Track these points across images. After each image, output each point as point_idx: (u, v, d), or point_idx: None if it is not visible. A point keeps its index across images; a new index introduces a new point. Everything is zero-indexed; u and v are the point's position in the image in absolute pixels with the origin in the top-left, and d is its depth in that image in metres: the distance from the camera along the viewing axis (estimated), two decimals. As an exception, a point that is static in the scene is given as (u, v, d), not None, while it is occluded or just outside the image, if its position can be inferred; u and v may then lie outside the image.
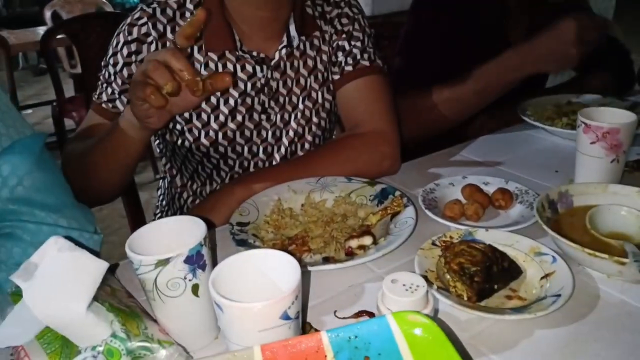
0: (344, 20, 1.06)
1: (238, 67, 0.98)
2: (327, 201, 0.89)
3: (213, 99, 0.98)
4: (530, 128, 1.18)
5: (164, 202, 1.21)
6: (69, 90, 3.34)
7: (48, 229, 0.71)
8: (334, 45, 1.06)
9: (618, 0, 3.49)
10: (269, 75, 1.00)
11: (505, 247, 0.70)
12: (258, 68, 0.99)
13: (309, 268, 0.69)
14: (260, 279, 0.54)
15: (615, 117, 0.87)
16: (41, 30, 3.71)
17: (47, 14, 4.12)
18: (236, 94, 0.99)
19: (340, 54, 1.05)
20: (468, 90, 1.16)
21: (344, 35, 1.05)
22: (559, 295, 0.61)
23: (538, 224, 0.73)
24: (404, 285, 0.53)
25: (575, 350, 0.57)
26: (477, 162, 1.06)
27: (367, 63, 1.04)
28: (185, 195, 1.12)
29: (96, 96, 0.98)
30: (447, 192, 0.89)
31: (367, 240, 0.74)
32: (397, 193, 0.85)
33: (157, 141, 1.12)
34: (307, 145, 1.08)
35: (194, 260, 0.55)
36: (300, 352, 0.45)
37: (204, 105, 0.98)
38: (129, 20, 0.96)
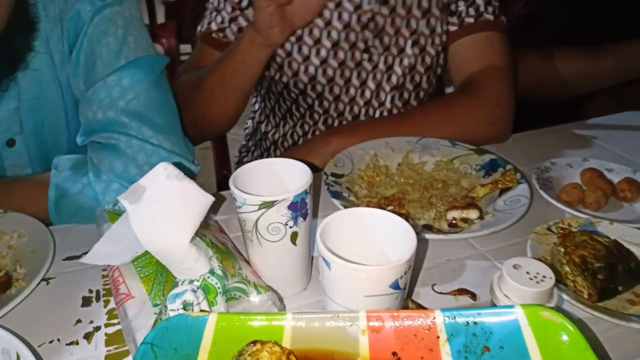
0: None
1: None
2: (426, 164, 0.82)
3: (316, 31, 0.93)
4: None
5: (250, 142, 1.19)
6: (161, 17, 3.38)
7: (151, 149, 0.71)
8: None
9: None
10: (377, 9, 0.93)
11: (631, 246, 0.62)
12: (367, 1, 0.92)
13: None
14: (368, 239, 0.49)
15: None
16: (141, -48, 3.73)
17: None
18: (340, 26, 0.93)
19: (461, 2, 0.95)
20: (605, 67, 1.05)
21: None
22: (698, 312, 0.52)
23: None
24: (527, 273, 0.47)
25: None
26: (593, 144, 0.95)
27: (490, 17, 0.94)
28: (276, 136, 1.09)
29: (204, 26, 0.97)
30: (565, 174, 0.80)
31: (473, 213, 0.68)
32: (509, 167, 0.77)
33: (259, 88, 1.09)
34: (406, 96, 1.01)
35: (298, 207, 0.51)
36: (410, 327, 0.41)
37: (306, 37, 0.93)
38: None
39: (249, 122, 1.20)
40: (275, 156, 0.94)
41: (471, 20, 0.95)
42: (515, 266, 0.47)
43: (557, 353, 0.37)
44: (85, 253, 0.57)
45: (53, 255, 0.62)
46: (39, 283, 0.58)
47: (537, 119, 1.02)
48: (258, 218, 0.51)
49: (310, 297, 0.58)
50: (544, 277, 0.46)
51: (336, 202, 0.68)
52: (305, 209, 0.52)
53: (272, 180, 0.57)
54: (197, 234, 0.46)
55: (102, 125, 0.70)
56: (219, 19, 0.95)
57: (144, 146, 0.70)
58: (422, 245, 0.66)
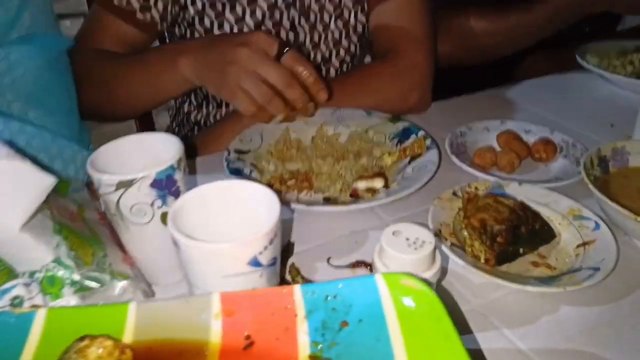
0: None
1: (247, 13, 0.86)
2: (340, 136, 0.79)
3: (238, 9, 0.87)
4: (588, 74, 1.02)
5: (174, 124, 1.13)
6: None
7: (33, 131, 0.64)
8: None
9: None
10: None
11: (540, 206, 0.60)
12: None
13: (293, 206, 0.60)
14: (239, 215, 0.45)
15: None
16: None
17: None
18: (265, 6, 0.88)
19: None
20: (531, 20, 1.04)
21: None
22: (597, 269, 0.50)
23: (583, 182, 0.61)
24: (407, 239, 0.43)
25: (606, 335, 0.47)
26: (520, 108, 0.93)
27: None
28: (199, 117, 1.03)
29: None
30: (480, 138, 0.77)
31: (377, 182, 0.64)
32: (421, 133, 0.74)
33: None
34: (332, 72, 0.97)
35: (164, 185, 0.47)
36: (267, 306, 0.37)
37: (227, 14, 0.87)
38: None
39: (172, 102, 1.13)
40: None
41: None
42: (394, 233, 0.44)
43: (416, 321, 0.34)
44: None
45: None
46: None
47: (465, 84, 0.99)
48: (118, 199, 0.46)
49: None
50: (423, 242, 0.43)
51: (234, 179, 0.64)
52: (175, 186, 0.48)
53: (146, 158, 0.52)
54: (38, 218, 0.41)
55: None
56: None
57: (24, 128, 0.64)
58: (319, 218, 0.62)
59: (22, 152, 0.41)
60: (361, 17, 0.95)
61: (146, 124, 1.31)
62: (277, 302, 0.37)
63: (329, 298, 0.36)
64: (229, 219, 0.45)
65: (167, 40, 0.99)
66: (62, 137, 0.67)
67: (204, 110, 1.02)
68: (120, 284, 0.44)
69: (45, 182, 0.40)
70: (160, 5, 0.85)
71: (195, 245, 0.38)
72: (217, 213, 0.44)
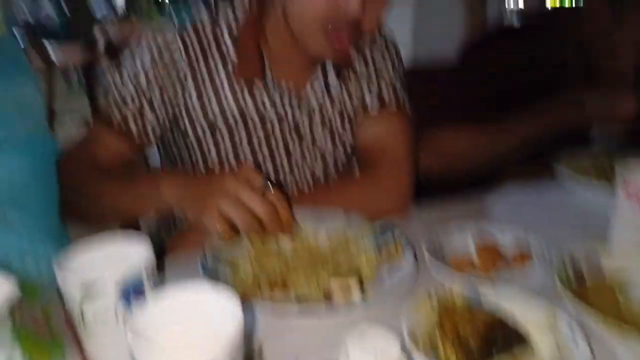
0: (378, 58, 1.00)
1: (264, 93, 0.92)
2: (320, 236, 0.79)
3: (231, 120, 0.92)
4: (563, 183, 1.05)
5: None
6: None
7: (11, 233, 0.65)
8: (365, 84, 0.99)
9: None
10: (296, 105, 0.94)
11: (516, 311, 0.59)
12: (286, 99, 0.93)
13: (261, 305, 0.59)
14: (200, 318, 0.44)
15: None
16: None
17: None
18: (257, 118, 0.92)
19: (367, 93, 0.99)
20: (509, 138, 1.13)
21: (374, 74, 1.00)
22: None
23: (557, 286, 0.61)
24: (373, 342, 0.42)
25: None
26: (496, 212, 0.95)
27: (393, 106, 0.99)
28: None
29: (103, 106, 0.89)
30: (457, 240, 0.78)
31: (352, 282, 0.64)
32: (397, 233, 0.75)
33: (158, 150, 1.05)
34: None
35: (130, 291, 0.46)
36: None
37: (220, 124, 0.92)
38: (160, 40, 0.88)
39: None
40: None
41: (375, 107, 0.98)
42: (361, 337, 0.43)
43: None
44: None
45: None
46: None
47: (443, 188, 1.02)
48: (81, 303, 0.45)
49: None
50: (388, 350, 0.42)
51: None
52: (141, 290, 0.48)
53: (114, 259, 0.52)
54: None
55: None
56: (119, 99, 0.88)
57: (8, 233, 0.65)
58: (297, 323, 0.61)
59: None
60: (349, 134, 1.01)
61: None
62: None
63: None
64: (191, 324, 0.44)
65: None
66: (40, 238, 0.67)
67: None
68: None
69: (5, 287, 0.40)
70: (157, 130, 0.91)
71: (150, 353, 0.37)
72: (179, 318, 0.44)
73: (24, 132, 0.70)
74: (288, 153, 0.97)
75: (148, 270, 0.48)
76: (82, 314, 0.46)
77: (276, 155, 0.96)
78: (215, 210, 0.68)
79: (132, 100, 0.88)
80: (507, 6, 3.27)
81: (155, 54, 0.88)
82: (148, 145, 0.92)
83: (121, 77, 0.90)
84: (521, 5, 3.28)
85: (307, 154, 0.99)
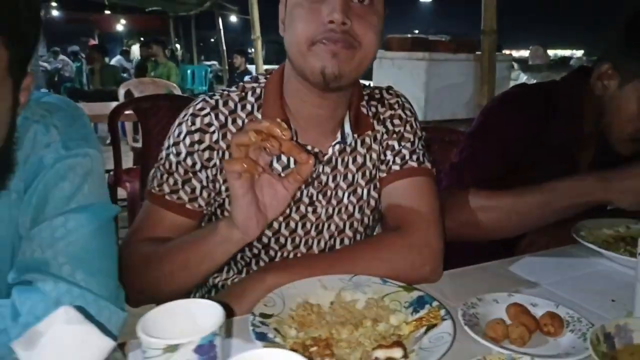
0: (396, 122, 1.07)
1: (292, 160, 0.98)
2: (358, 302, 0.83)
3: None
4: (584, 251, 1.10)
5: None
6: (128, 163, 3.51)
7: (78, 291, 0.70)
8: (384, 144, 1.06)
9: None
10: (321, 170, 1.01)
11: (553, 382, 0.62)
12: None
13: None
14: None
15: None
16: (113, 104, 4.01)
17: (122, 92, 4.48)
18: None
19: (389, 153, 1.05)
20: (531, 202, 1.12)
21: (394, 136, 1.06)
22: None
23: (591, 357, 0.64)
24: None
25: None
26: (524, 281, 0.99)
27: (415, 164, 1.03)
28: (217, 280, 1.08)
29: (156, 188, 0.96)
30: (491, 310, 0.82)
31: (397, 352, 0.67)
32: (435, 303, 0.79)
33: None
34: (346, 241, 1.05)
35: (206, 350, 0.51)
36: None
37: None
38: (191, 110, 0.97)
39: None
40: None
41: (397, 167, 1.03)
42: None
43: None
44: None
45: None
46: None
47: (472, 257, 1.07)
48: (163, 362, 0.50)
49: None
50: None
51: (259, 344, 0.67)
52: (214, 351, 0.52)
53: (184, 324, 0.57)
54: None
55: (36, 264, 0.69)
56: (171, 180, 0.95)
57: (71, 289, 0.70)
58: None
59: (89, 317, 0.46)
60: (373, 194, 1.06)
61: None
62: None
63: None
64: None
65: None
66: (102, 298, 0.72)
67: (224, 274, 1.08)
68: None
69: (107, 345, 0.45)
70: (204, 193, 0.97)
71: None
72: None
73: (91, 195, 0.76)
74: (315, 213, 1.02)
75: (221, 332, 0.52)
76: (161, 373, 0.50)
77: (306, 218, 1.01)
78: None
79: (177, 169, 0.95)
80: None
81: (191, 127, 0.95)
82: (200, 214, 0.98)
83: (165, 152, 0.97)
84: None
85: (333, 213, 1.03)
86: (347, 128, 1.02)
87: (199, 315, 0.57)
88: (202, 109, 0.97)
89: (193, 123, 0.96)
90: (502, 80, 2.92)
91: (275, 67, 1.03)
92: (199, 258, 0.87)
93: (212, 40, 18.07)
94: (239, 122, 0.98)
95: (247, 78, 1.04)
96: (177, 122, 0.98)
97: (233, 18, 14.23)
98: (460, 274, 1.00)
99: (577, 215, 1.19)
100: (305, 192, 1.00)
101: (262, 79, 1.02)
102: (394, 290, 0.85)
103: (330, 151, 1.01)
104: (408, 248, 0.94)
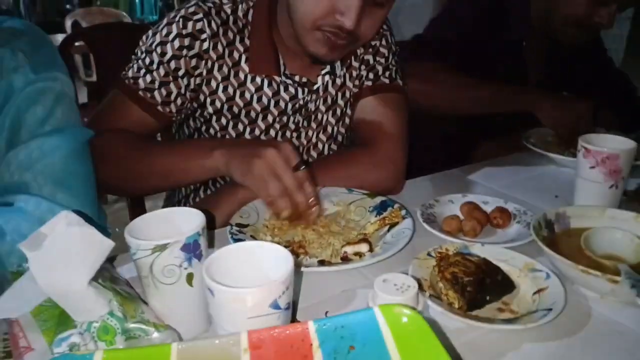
0: (374, 37, 1.06)
1: (281, 87, 1.00)
2: (327, 210, 0.90)
3: (252, 113, 1.00)
4: (533, 156, 1.19)
5: (168, 205, 1.22)
6: (83, 98, 3.40)
7: (59, 210, 0.72)
8: (361, 58, 1.07)
9: (629, 42, 3.55)
10: (308, 98, 1.03)
11: (500, 262, 0.71)
12: (300, 90, 1.01)
13: (303, 269, 0.69)
14: (253, 270, 0.54)
15: (615, 143, 0.88)
16: (60, 37, 3.79)
17: (68, 23, 4.23)
18: (275, 112, 1.01)
19: (363, 67, 1.07)
20: (474, 94, 1.27)
21: (370, 50, 1.07)
22: (550, 310, 0.61)
23: (534, 243, 0.73)
24: (395, 285, 0.53)
25: (563, 364, 0.57)
26: (477, 184, 1.07)
27: (387, 80, 1.06)
28: (195, 199, 1.13)
29: (130, 80, 0.93)
30: (446, 209, 0.90)
31: (363, 247, 0.75)
32: (397, 205, 0.86)
33: (177, 135, 1.13)
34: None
35: (191, 249, 0.56)
36: (287, 340, 0.46)
37: (242, 116, 1.00)
38: (182, 12, 0.93)
39: None
40: None
41: (369, 83, 1.06)
42: (384, 280, 0.54)
43: (408, 339, 0.43)
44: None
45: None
46: None
47: (430, 167, 1.14)
48: (152, 262, 0.55)
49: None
50: (408, 286, 0.53)
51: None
52: (199, 250, 0.57)
53: (169, 229, 0.61)
54: (96, 277, 0.49)
55: (16, 186, 0.72)
56: (148, 77, 0.93)
57: (52, 208, 0.72)
58: (317, 279, 0.71)
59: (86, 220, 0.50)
60: (349, 111, 1.10)
61: (138, 205, 1.39)
62: (294, 336, 0.46)
63: (337, 329, 0.45)
64: (247, 274, 0.54)
65: (176, 130, 1.11)
66: (84, 216, 0.76)
67: (201, 194, 1.12)
68: (160, 334, 0.52)
69: (107, 244, 0.49)
70: (179, 100, 0.95)
71: (228, 291, 0.47)
72: (239, 269, 0.53)
73: (64, 119, 0.78)
74: (299, 138, 1.06)
75: (204, 233, 0.57)
76: (152, 272, 0.55)
77: (292, 142, 1.04)
78: (260, 179, 0.77)
79: (157, 68, 0.92)
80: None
81: (182, 30, 0.92)
82: (169, 119, 0.97)
83: (148, 47, 0.94)
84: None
85: (315, 138, 1.08)
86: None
87: (180, 222, 0.62)
88: (194, 13, 0.93)
89: (184, 26, 0.92)
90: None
91: None
92: (182, 173, 0.88)
93: (159, -35, 16.86)
94: (230, 35, 0.95)
95: None
96: (165, 21, 0.94)
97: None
98: (419, 181, 1.08)
99: (525, 125, 1.28)
100: (292, 118, 1.03)
101: None
102: (359, 197, 0.91)
103: (319, 81, 1.02)
104: (374, 165, 0.99)
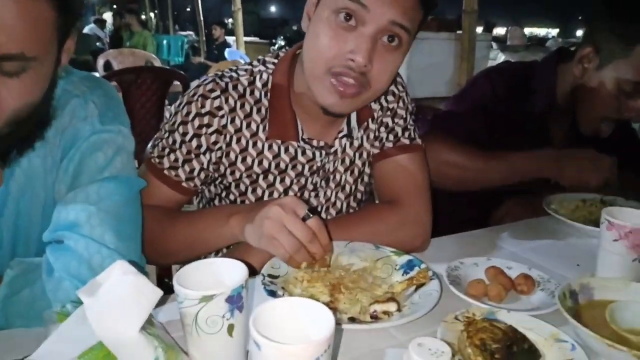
0: (390, 98, 1.12)
1: (299, 152, 1.04)
2: (354, 265, 0.92)
3: (270, 177, 1.04)
4: (555, 222, 1.21)
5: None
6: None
7: (107, 252, 0.77)
8: (379, 120, 1.11)
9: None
10: (326, 160, 1.07)
11: (526, 331, 0.72)
12: (317, 153, 1.05)
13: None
14: (294, 326, 0.57)
15: (639, 217, 0.90)
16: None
17: (100, 62, 4.41)
18: (293, 174, 1.05)
19: (383, 129, 1.11)
20: (492, 167, 1.29)
21: (388, 113, 1.11)
22: (577, 382, 0.62)
23: (559, 312, 0.75)
24: (430, 349, 0.55)
25: None
26: (500, 247, 1.09)
27: (407, 141, 1.10)
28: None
29: (156, 159, 0.99)
30: (471, 272, 0.92)
31: (391, 306, 0.77)
32: (423, 266, 0.88)
33: (198, 198, 1.16)
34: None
35: (234, 301, 0.59)
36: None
37: (260, 181, 1.03)
38: (200, 91, 0.97)
39: None
40: None
41: (390, 145, 1.10)
42: (419, 345, 0.56)
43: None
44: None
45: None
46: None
47: (455, 225, 1.17)
48: (198, 312, 0.57)
49: (245, 388, 0.63)
50: (442, 352, 0.55)
51: (270, 299, 0.75)
52: (241, 302, 0.60)
53: (211, 279, 0.64)
54: (144, 326, 0.52)
55: (69, 225, 0.76)
56: (172, 157, 0.98)
57: (100, 249, 0.76)
58: (347, 336, 0.73)
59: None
60: (367, 170, 1.14)
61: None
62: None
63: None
64: (288, 330, 0.56)
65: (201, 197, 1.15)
66: (128, 261, 0.79)
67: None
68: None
69: (156, 293, 0.52)
70: (202, 175, 1.01)
71: (275, 346, 0.49)
72: (280, 324, 0.56)
73: (122, 169, 0.83)
74: (317, 197, 1.09)
75: (247, 285, 0.60)
76: (196, 321, 0.58)
77: (308, 203, 1.06)
78: (272, 240, 0.81)
79: (180, 147, 0.97)
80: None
81: (201, 110, 0.97)
82: (193, 192, 1.03)
83: (170, 127, 0.99)
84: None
85: (334, 197, 1.11)
86: (354, 122, 1.07)
87: (222, 272, 0.65)
88: (212, 90, 0.97)
89: (203, 105, 0.97)
90: (481, 59, 3.01)
91: (255, 39, 1.07)
92: (203, 243, 0.95)
93: (188, 9, 17.63)
94: (247, 107, 1.00)
95: (255, 62, 1.05)
96: (185, 99, 0.99)
97: (210, -13, 13.90)
98: (444, 241, 1.10)
99: (548, 187, 1.31)
100: (310, 179, 1.07)
101: (270, 64, 1.03)
102: (386, 255, 0.94)
103: (337, 144, 1.07)
104: (400, 224, 1.02)
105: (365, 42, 0.86)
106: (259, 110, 1.01)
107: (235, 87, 1.00)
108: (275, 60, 1.03)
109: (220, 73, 1.02)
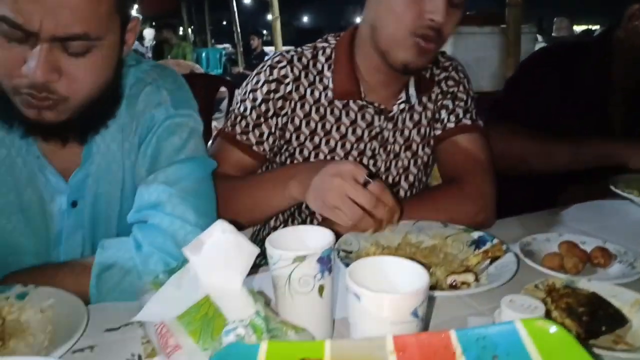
0: (450, 83, 1.16)
1: (359, 114, 1.09)
2: (423, 242, 0.93)
3: (332, 142, 1.09)
4: (621, 202, 1.18)
5: (257, 237, 1.28)
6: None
7: (190, 228, 0.81)
8: (439, 104, 1.15)
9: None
10: (384, 126, 1.11)
11: (609, 297, 0.71)
12: (376, 117, 1.10)
13: None
14: (386, 283, 0.58)
15: None
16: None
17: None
18: (353, 139, 1.09)
19: (443, 112, 1.14)
20: (556, 151, 1.29)
21: (449, 96, 1.15)
22: (671, 343, 0.61)
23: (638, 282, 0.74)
24: (522, 304, 0.56)
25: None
26: (569, 226, 1.07)
27: (468, 122, 1.12)
28: (277, 224, 1.19)
29: (229, 128, 1.09)
30: (544, 247, 0.91)
31: (469, 277, 0.77)
32: (496, 240, 0.88)
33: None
34: (402, 192, 1.15)
35: (325, 262, 0.61)
36: (430, 346, 0.49)
37: (322, 146, 1.09)
38: (269, 62, 1.09)
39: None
40: None
41: (452, 125, 1.12)
42: (511, 301, 0.57)
43: (555, 354, 0.45)
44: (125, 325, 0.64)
45: (86, 325, 0.68)
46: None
47: (516, 206, 1.16)
48: (291, 272, 0.60)
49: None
50: (535, 307, 0.55)
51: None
52: (330, 264, 0.62)
53: (299, 244, 0.67)
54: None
55: (152, 205, 0.80)
56: (243, 123, 1.07)
57: (184, 225, 0.80)
58: (429, 304, 0.74)
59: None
60: (427, 150, 1.16)
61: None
62: (437, 343, 0.49)
63: (478, 339, 0.48)
64: (384, 286, 0.58)
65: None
66: None
67: (290, 225, 1.18)
68: (299, 335, 0.56)
69: (254, 250, 0.55)
70: (270, 139, 1.08)
71: (375, 296, 0.51)
72: (375, 281, 0.58)
73: (195, 150, 0.88)
74: (375, 165, 1.12)
75: (333, 250, 0.62)
76: (289, 281, 0.60)
77: (368, 167, 1.10)
78: (335, 210, 0.82)
79: (250, 112, 1.07)
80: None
81: (269, 77, 1.07)
82: (263, 158, 1.10)
83: (242, 96, 1.09)
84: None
85: (391, 167, 1.13)
86: (412, 90, 1.11)
87: (308, 239, 0.67)
88: (279, 61, 1.08)
89: (271, 74, 1.07)
90: (527, 52, 2.97)
91: (291, 48, 1.13)
92: (266, 205, 1.01)
93: (224, 22, 18.02)
94: (311, 77, 1.08)
95: (318, 40, 1.15)
96: (255, 72, 1.10)
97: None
98: (511, 221, 1.10)
99: (612, 170, 1.29)
100: (369, 145, 1.10)
101: (332, 40, 1.12)
102: (455, 232, 0.94)
103: (395, 109, 1.11)
104: (464, 198, 1.03)
105: (442, 1, 0.92)
106: (321, 80, 1.09)
107: (300, 59, 1.09)
108: (338, 37, 1.13)
109: (287, 49, 1.12)
